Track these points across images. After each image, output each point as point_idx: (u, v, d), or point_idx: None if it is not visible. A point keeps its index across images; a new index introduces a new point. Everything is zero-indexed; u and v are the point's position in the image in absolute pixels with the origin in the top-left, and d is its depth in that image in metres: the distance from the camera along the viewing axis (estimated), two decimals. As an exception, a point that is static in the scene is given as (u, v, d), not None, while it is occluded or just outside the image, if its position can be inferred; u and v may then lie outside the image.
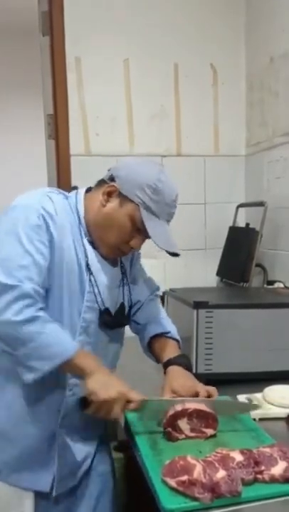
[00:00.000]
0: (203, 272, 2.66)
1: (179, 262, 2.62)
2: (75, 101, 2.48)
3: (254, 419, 1.33)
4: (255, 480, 1.03)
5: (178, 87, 2.62)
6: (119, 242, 1.31)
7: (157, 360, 1.48)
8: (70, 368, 1.20)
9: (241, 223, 2.65)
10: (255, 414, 1.35)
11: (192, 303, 1.66)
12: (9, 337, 1.17)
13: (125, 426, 1.34)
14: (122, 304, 1.40)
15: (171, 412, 1.23)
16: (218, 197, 2.70)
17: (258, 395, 1.46)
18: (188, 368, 1.41)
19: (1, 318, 1.15)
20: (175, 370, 1.38)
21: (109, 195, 1.28)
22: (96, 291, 1.29)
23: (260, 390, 1.47)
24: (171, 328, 1.50)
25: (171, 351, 1.43)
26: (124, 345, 1.48)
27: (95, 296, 1.29)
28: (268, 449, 1.09)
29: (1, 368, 1.28)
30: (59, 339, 1.18)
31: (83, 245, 1.29)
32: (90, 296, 1.28)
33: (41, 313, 1.18)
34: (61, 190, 1.37)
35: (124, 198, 1.27)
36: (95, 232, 1.31)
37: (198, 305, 1.64)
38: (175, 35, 2.58)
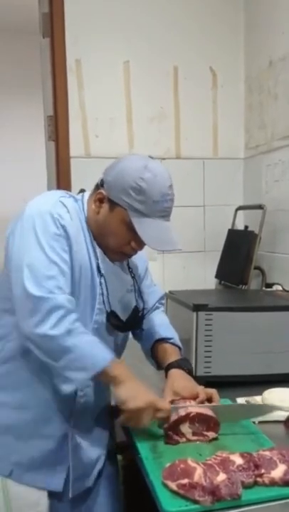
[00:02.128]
0: (202, 275, 2.66)
1: (177, 264, 2.65)
2: (75, 103, 2.48)
3: (254, 422, 1.33)
4: (255, 483, 1.04)
5: (177, 89, 2.62)
6: (119, 246, 1.30)
7: (158, 365, 1.48)
8: (103, 378, 1.21)
9: (240, 226, 2.65)
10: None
11: (192, 305, 1.66)
12: (47, 349, 1.18)
13: (125, 428, 1.34)
14: (136, 308, 1.41)
15: (174, 417, 1.23)
16: (217, 199, 2.71)
17: (258, 398, 1.46)
18: (190, 371, 1.42)
19: (39, 332, 1.15)
20: (176, 372, 1.39)
21: (100, 201, 1.28)
22: (106, 293, 1.29)
23: (260, 393, 1.47)
24: (174, 335, 1.50)
25: (173, 356, 1.43)
26: (125, 347, 1.48)
27: (104, 298, 1.29)
28: (267, 452, 1.09)
29: (14, 369, 1.28)
30: (93, 351, 1.19)
31: (93, 248, 1.30)
32: (101, 298, 1.29)
33: (76, 325, 1.18)
34: (71, 193, 1.36)
35: (112, 204, 1.25)
36: (97, 238, 1.31)
37: (197, 308, 1.64)
38: (175, 37, 2.59)
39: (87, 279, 1.27)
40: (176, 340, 1.49)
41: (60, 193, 1.32)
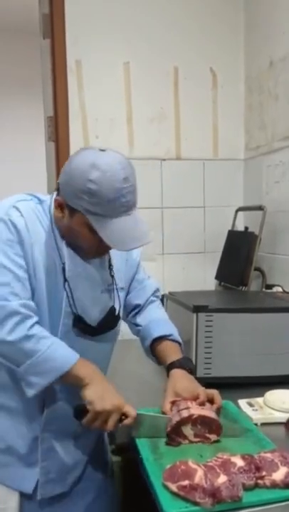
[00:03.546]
0: (201, 276, 2.66)
1: (177, 265, 2.65)
2: (75, 103, 2.48)
3: (255, 424, 1.33)
4: (256, 485, 1.03)
5: (177, 90, 2.62)
6: (90, 248, 1.25)
7: (159, 362, 1.46)
8: (70, 380, 1.20)
9: (240, 227, 2.65)
10: (257, 419, 1.35)
11: (192, 307, 1.65)
12: (6, 355, 1.19)
13: (127, 428, 1.33)
14: (112, 309, 1.36)
15: (176, 419, 1.23)
16: (217, 201, 2.70)
17: (259, 400, 1.45)
18: (191, 371, 1.40)
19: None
20: (178, 373, 1.37)
21: (60, 208, 1.22)
22: (71, 295, 1.26)
23: (261, 395, 1.47)
24: (173, 331, 1.47)
25: (174, 354, 1.41)
26: (124, 348, 1.48)
27: (71, 300, 1.26)
28: (269, 455, 1.09)
29: None
30: (54, 355, 1.18)
31: (58, 249, 1.26)
32: (67, 301, 1.26)
33: (34, 330, 1.18)
34: (37, 195, 1.32)
35: (71, 209, 1.20)
36: (67, 240, 1.27)
37: (198, 309, 1.64)
38: (175, 38, 2.58)
39: (52, 281, 1.25)
40: (176, 335, 1.47)
41: (18, 197, 1.27)
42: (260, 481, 1.03)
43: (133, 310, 1.51)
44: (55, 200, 1.23)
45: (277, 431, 1.31)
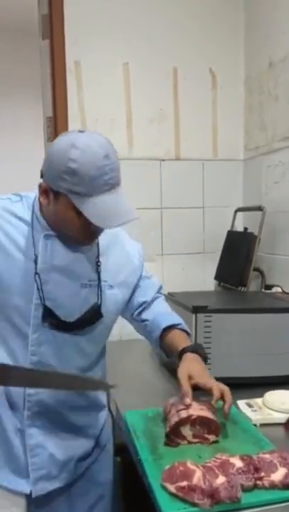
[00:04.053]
0: (201, 276, 2.66)
1: (177, 265, 2.65)
2: (75, 104, 2.48)
3: (254, 425, 1.33)
4: (255, 486, 1.03)
5: (177, 90, 2.62)
6: (79, 232, 1.23)
7: (169, 351, 1.42)
8: None
9: (239, 227, 2.65)
10: (256, 419, 1.35)
11: (191, 307, 1.65)
12: None
13: (125, 429, 1.34)
14: (95, 305, 1.32)
15: (175, 420, 1.22)
16: (216, 201, 2.70)
17: (258, 400, 1.45)
18: (204, 358, 1.36)
19: None
20: (191, 356, 1.33)
21: (45, 193, 1.22)
22: (43, 288, 1.24)
23: (260, 395, 1.47)
24: (180, 321, 1.45)
25: (184, 341, 1.38)
26: (124, 348, 1.47)
27: (40, 293, 1.25)
28: (268, 455, 1.09)
29: None
30: None
31: (34, 241, 1.25)
32: (38, 294, 1.25)
33: None
34: (20, 192, 1.34)
35: (55, 193, 1.19)
36: (56, 228, 1.26)
37: (197, 309, 1.64)
38: (174, 39, 2.58)
39: (25, 273, 1.24)
40: (184, 325, 1.45)
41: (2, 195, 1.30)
42: (258, 482, 1.03)
43: (139, 307, 1.49)
44: (39, 186, 1.22)
45: (277, 432, 1.31)
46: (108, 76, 2.51)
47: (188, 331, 1.46)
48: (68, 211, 1.18)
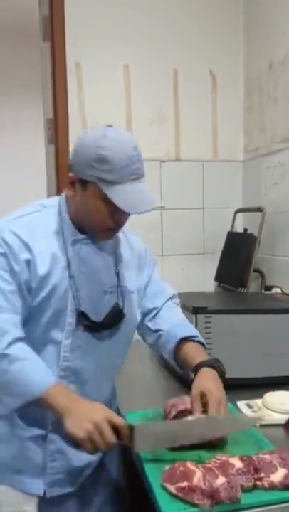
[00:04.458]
0: (201, 277, 2.66)
1: (177, 266, 2.65)
2: (75, 106, 2.48)
3: (254, 426, 1.33)
4: (255, 487, 1.04)
5: (177, 92, 2.63)
6: (103, 222, 1.27)
7: (183, 364, 1.41)
8: (43, 407, 1.18)
9: (239, 228, 2.66)
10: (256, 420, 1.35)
11: (191, 308, 1.66)
12: None
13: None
14: (116, 304, 1.36)
15: (173, 414, 1.25)
16: (216, 202, 2.71)
17: (258, 401, 1.46)
18: (222, 373, 1.35)
19: None
20: (208, 372, 1.32)
21: (72, 185, 1.27)
22: (77, 295, 1.28)
23: (260, 396, 1.47)
24: (197, 333, 1.45)
25: (201, 355, 1.37)
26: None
27: (76, 299, 1.28)
28: (267, 456, 1.09)
29: None
30: (24, 379, 1.17)
31: (66, 249, 1.28)
32: (73, 301, 1.28)
33: (11, 350, 1.17)
34: (42, 201, 1.36)
35: (83, 182, 1.24)
36: (82, 224, 1.30)
37: (197, 310, 1.64)
38: (174, 40, 2.59)
39: (56, 282, 1.26)
40: (201, 338, 1.45)
41: (13, 216, 1.30)
42: (258, 483, 1.04)
43: (148, 314, 1.50)
44: (68, 177, 1.27)
45: (276, 432, 1.32)
46: (108, 77, 2.51)
47: (204, 342, 1.44)
48: (96, 200, 1.23)
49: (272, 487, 1.03)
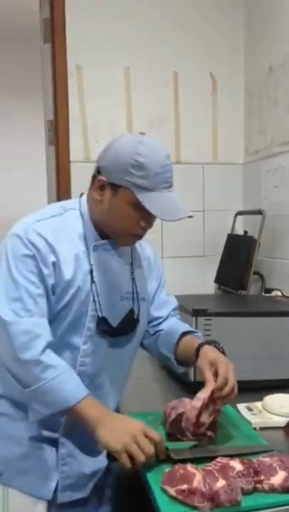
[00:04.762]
0: (201, 279, 2.66)
1: (177, 269, 2.65)
2: (76, 108, 2.49)
3: (254, 428, 1.33)
4: (255, 489, 1.03)
5: (177, 95, 2.63)
6: (129, 228, 1.28)
7: (183, 355, 1.42)
8: (74, 417, 1.17)
9: (239, 231, 2.66)
10: (256, 423, 1.35)
11: (191, 310, 1.66)
12: (15, 374, 1.18)
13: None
14: (131, 310, 1.36)
15: (173, 416, 1.24)
16: (216, 205, 2.71)
17: (258, 404, 1.45)
18: (223, 352, 1.37)
19: (7, 355, 1.16)
20: (211, 347, 1.34)
21: (101, 189, 1.26)
22: (98, 300, 1.28)
23: (260, 399, 1.47)
24: (198, 331, 1.48)
25: (202, 341, 1.39)
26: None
27: (97, 305, 1.28)
28: (267, 459, 1.09)
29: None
30: (57, 388, 1.15)
31: (88, 254, 1.28)
32: (93, 306, 1.27)
33: (44, 356, 1.15)
34: (62, 204, 1.35)
35: (114, 187, 1.24)
36: (106, 229, 1.30)
37: (197, 313, 1.64)
38: (175, 43, 2.60)
39: (78, 286, 1.25)
40: (201, 335, 1.47)
41: (38, 217, 1.27)
42: (258, 486, 1.04)
43: (153, 321, 1.50)
44: (98, 181, 1.26)
45: (276, 435, 1.31)
46: (109, 79, 2.52)
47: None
48: (126, 205, 1.24)
49: (273, 490, 1.03)
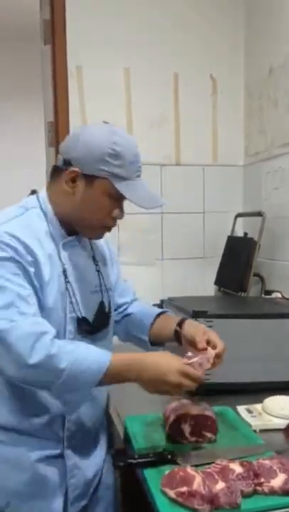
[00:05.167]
0: (201, 281, 2.66)
1: (177, 270, 2.65)
2: (76, 109, 2.49)
3: (254, 431, 1.33)
4: (255, 492, 1.03)
5: (177, 96, 2.63)
6: (102, 220, 1.27)
7: (160, 332, 1.43)
8: (109, 382, 1.16)
9: (239, 233, 2.65)
10: (256, 425, 1.35)
11: (191, 312, 1.65)
12: (33, 381, 1.15)
13: (124, 435, 1.33)
14: (101, 304, 1.34)
15: (173, 418, 1.24)
16: (216, 206, 2.71)
17: (258, 406, 1.45)
18: None
19: (14, 367, 1.11)
20: (193, 321, 1.39)
21: (73, 181, 1.23)
22: (74, 300, 1.25)
23: (260, 401, 1.46)
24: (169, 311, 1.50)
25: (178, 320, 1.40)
26: (119, 351, 1.47)
27: (74, 305, 1.25)
28: (267, 461, 1.08)
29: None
30: (81, 368, 1.12)
31: (58, 253, 1.25)
32: (71, 307, 1.25)
33: (55, 349, 1.11)
34: (21, 205, 1.29)
35: (89, 178, 1.22)
36: (75, 222, 1.27)
37: (197, 314, 1.63)
38: (175, 44, 2.59)
39: (56, 289, 1.22)
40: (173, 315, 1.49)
41: (4, 218, 1.23)
42: (258, 488, 1.03)
43: (119, 308, 1.50)
44: (70, 172, 1.22)
45: (276, 437, 1.31)
46: (109, 80, 2.52)
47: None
48: (101, 196, 1.23)
49: (272, 492, 1.02)
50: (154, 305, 1.75)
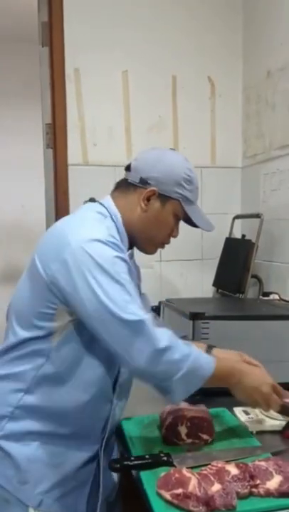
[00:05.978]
0: (199, 283, 2.66)
1: (175, 272, 2.65)
2: (74, 111, 2.49)
3: (251, 432, 1.33)
4: (250, 494, 1.03)
5: (176, 98, 2.64)
6: (164, 238, 1.38)
7: None
8: (214, 382, 1.22)
9: (237, 234, 2.66)
10: (252, 427, 1.35)
11: (188, 314, 1.65)
12: (156, 373, 1.17)
13: (120, 437, 1.33)
14: None
15: (169, 420, 1.24)
16: (214, 208, 2.70)
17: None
18: None
19: (147, 355, 1.13)
20: (220, 349, 1.42)
21: (148, 199, 1.31)
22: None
23: (257, 403, 1.46)
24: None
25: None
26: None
27: None
28: (263, 463, 1.09)
29: (47, 395, 1.22)
30: (199, 362, 1.19)
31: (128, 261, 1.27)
32: None
33: (173, 341, 1.17)
34: (99, 211, 1.30)
35: (164, 198, 1.31)
36: (138, 236, 1.33)
37: (194, 316, 1.64)
38: (173, 47, 2.60)
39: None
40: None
41: (97, 216, 1.26)
42: (254, 490, 1.03)
43: None
44: (148, 191, 1.30)
45: (273, 439, 1.31)
46: (107, 83, 2.52)
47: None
48: (170, 216, 1.33)
49: (268, 494, 1.02)
50: (152, 307, 1.75)
